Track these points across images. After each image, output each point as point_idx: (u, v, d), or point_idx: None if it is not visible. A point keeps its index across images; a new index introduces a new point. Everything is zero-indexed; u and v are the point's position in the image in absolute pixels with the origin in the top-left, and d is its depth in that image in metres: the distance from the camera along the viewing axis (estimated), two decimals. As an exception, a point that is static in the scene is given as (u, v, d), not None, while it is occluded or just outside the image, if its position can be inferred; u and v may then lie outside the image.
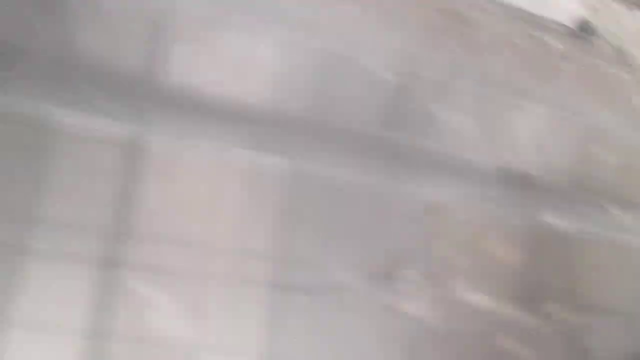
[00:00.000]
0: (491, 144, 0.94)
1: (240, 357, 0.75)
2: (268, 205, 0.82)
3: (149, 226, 0.74)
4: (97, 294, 0.69)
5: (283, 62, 0.87)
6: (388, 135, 0.90)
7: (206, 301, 0.75)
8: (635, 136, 1.06)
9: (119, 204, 0.74)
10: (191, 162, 0.81)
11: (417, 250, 0.87)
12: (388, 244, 0.86)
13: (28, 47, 0.75)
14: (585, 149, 1.00)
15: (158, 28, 0.83)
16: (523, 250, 0.91)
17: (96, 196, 0.73)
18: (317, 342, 0.79)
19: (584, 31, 1.11)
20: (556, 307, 0.92)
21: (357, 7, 0.92)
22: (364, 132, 0.89)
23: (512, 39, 1.05)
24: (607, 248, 0.97)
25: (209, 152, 0.81)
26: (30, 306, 0.66)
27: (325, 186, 0.85)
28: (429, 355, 0.84)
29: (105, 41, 0.79)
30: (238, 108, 0.85)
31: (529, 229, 0.93)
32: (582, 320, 0.93)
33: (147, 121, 0.79)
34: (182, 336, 0.72)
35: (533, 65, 1.04)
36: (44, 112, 0.74)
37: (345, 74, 0.89)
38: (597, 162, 1.00)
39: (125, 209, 0.74)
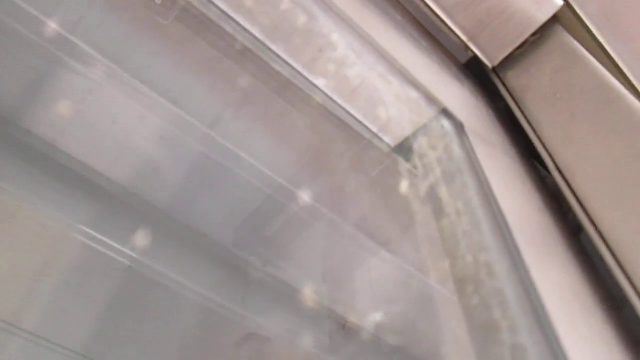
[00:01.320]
0: (331, 289, 0.94)
1: None
2: (92, 293, 0.76)
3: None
4: None
5: (157, 149, 0.84)
6: (239, 252, 0.89)
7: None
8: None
9: None
10: (21, 223, 0.74)
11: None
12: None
13: None
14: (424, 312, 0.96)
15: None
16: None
17: None
18: None
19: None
20: None
21: (249, 118, 0.93)
22: (217, 242, 0.88)
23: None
24: None
25: (44, 217, 0.75)
26: None
27: (160, 287, 0.81)
28: None
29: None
30: (94, 179, 0.81)
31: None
32: None
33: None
34: None
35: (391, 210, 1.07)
36: None
37: (218, 180, 0.88)
38: (424, 330, 0.93)
39: None
